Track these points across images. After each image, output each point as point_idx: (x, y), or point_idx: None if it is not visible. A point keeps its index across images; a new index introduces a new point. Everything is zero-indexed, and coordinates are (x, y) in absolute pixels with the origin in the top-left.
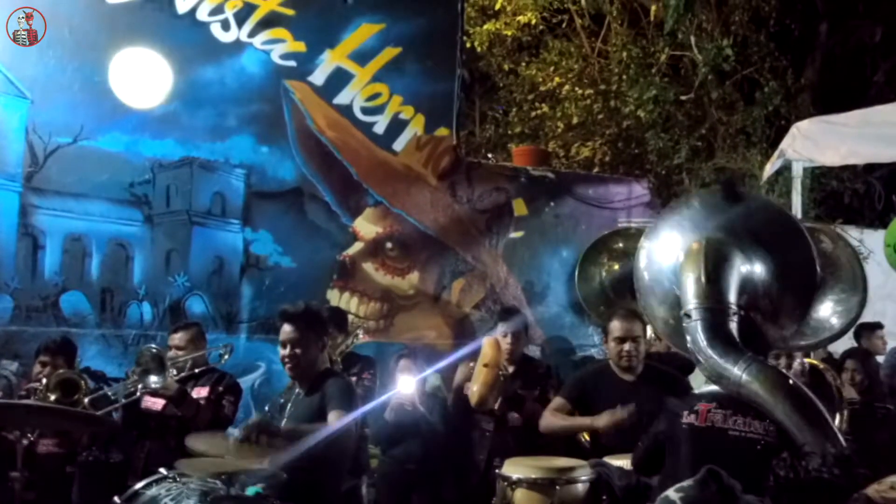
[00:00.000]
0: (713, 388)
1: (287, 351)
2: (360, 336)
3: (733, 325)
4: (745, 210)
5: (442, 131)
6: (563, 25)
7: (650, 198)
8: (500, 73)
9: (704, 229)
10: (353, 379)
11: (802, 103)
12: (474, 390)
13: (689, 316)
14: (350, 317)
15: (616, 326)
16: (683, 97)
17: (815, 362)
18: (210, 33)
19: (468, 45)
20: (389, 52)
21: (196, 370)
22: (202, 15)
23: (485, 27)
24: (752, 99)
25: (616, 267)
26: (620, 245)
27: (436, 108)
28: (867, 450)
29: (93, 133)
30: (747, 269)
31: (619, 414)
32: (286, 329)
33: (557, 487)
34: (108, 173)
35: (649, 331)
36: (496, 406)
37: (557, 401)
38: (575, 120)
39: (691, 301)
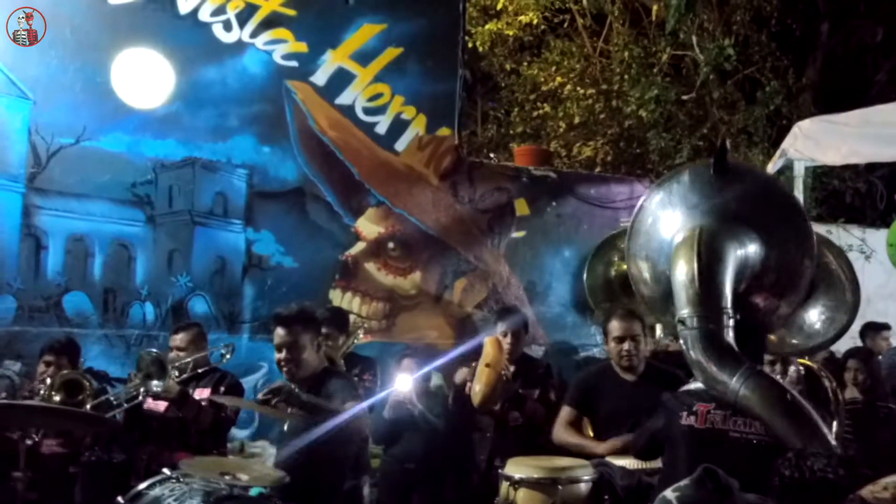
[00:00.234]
0: None
1: (282, 354)
2: (361, 335)
3: (730, 331)
4: (737, 188)
5: (444, 131)
6: (565, 25)
7: None
8: (502, 73)
9: (696, 209)
10: (354, 380)
11: (804, 103)
12: (477, 390)
13: (683, 323)
14: (352, 317)
15: (615, 326)
16: (685, 97)
17: (811, 365)
18: (212, 34)
19: (470, 45)
20: (391, 53)
21: (198, 371)
22: (204, 15)
23: (486, 27)
24: (754, 98)
25: (624, 267)
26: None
27: (437, 108)
28: (869, 449)
29: (95, 133)
30: (742, 252)
31: (623, 442)
32: (280, 332)
33: (560, 487)
34: (110, 174)
35: (658, 329)
36: (498, 406)
37: (565, 411)
38: (577, 120)
39: (685, 308)
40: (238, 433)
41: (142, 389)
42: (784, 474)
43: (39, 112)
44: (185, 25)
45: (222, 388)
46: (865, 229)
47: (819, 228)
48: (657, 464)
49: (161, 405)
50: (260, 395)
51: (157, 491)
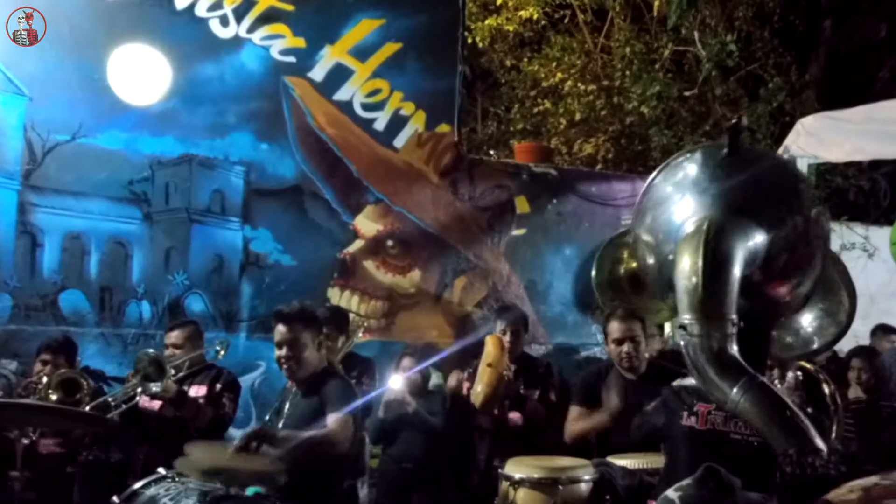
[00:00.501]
0: None
1: (283, 352)
2: (361, 335)
3: (733, 339)
4: (748, 173)
5: (443, 128)
6: (566, 21)
7: None
8: (502, 70)
9: (706, 194)
10: (353, 383)
11: (807, 99)
12: (478, 391)
13: (684, 329)
14: (351, 316)
15: (614, 328)
16: (687, 93)
17: (809, 368)
18: (209, 29)
19: (469, 40)
20: (390, 48)
21: (194, 368)
22: (201, 11)
23: (486, 22)
24: (757, 95)
25: (634, 265)
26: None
27: (437, 104)
28: (873, 449)
29: (91, 130)
30: (752, 244)
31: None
32: (281, 330)
33: (560, 487)
34: (106, 171)
35: (667, 328)
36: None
37: (574, 410)
38: (577, 116)
39: (687, 314)
40: (235, 432)
41: (139, 389)
42: (786, 471)
43: (35, 108)
44: (182, 21)
45: (219, 385)
46: (869, 227)
47: None
48: (658, 464)
49: (156, 403)
50: (237, 442)
51: (152, 490)
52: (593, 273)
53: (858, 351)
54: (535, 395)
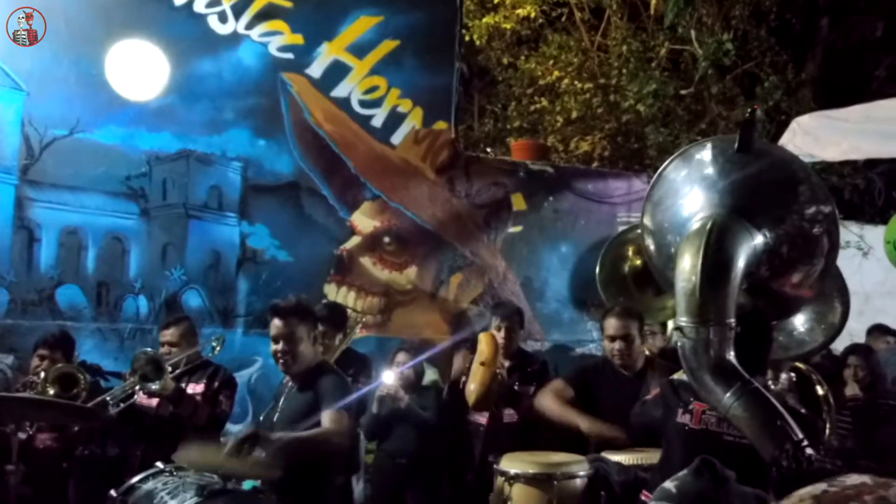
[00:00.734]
0: None
1: (278, 346)
2: (358, 331)
3: (729, 343)
4: (757, 168)
5: (440, 125)
6: (563, 19)
7: None
8: (499, 67)
9: (714, 189)
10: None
11: (803, 98)
12: (471, 390)
13: (681, 331)
14: (348, 311)
15: (609, 325)
16: (683, 92)
17: (802, 368)
18: (207, 25)
19: (467, 38)
20: (388, 45)
21: (190, 365)
22: (199, 7)
23: (484, 20)
24: (753, 94)
25: (638, 262)
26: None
27: (434, 101)
28: (870, 446)
29: (89, 126)
30: (757, 242)
31: (609, 433)
32: (277, 324)
33: (555, 482)
34: (104, 166)
35: (670, 325)
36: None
37: (558, 383)
38: (574, 114)
39: (684, 316)
40: (232, 428)
41: (137, 388)
42: (782, 465)
43: (33, 103)
44: (180, 17)
45: (216, 383)
46: (864, 226)
47: None
48: (653, 459)
49: (153, 401)
50: (229, 446)
51: (150, 484)
52: (598, 270)
53: (855, 348)
54: (530, 391)
